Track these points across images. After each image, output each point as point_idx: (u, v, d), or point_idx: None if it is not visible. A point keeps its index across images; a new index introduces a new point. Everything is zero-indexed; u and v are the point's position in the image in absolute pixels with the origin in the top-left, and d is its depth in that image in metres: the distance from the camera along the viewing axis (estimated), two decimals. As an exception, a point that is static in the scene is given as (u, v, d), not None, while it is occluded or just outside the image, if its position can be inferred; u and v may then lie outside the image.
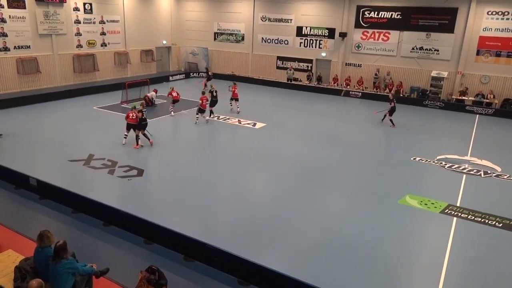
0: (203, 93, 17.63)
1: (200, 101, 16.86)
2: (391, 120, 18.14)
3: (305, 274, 7.06)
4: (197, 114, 17.26)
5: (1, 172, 10.77)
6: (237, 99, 19.36)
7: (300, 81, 27.17)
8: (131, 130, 13.94)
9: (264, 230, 8.83)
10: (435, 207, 10.28)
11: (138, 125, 13.78)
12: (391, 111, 18.06)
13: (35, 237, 6.03)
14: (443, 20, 22.72)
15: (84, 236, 8.35)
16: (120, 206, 8.87)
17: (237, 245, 7.88)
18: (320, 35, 26.51)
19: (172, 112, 18.62)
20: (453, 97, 22.94)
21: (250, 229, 8.85)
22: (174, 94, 18.35)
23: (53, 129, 15.60)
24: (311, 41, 26.93)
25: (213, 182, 11.36)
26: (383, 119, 18.66)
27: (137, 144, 13.85)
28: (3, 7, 19.69)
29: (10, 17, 20.05)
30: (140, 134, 13.86)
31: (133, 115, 13.73)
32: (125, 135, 14.07)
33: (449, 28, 22.66)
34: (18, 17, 20.41)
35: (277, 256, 7.89)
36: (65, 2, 22.34)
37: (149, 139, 14.02)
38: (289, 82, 27.08)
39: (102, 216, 8.93)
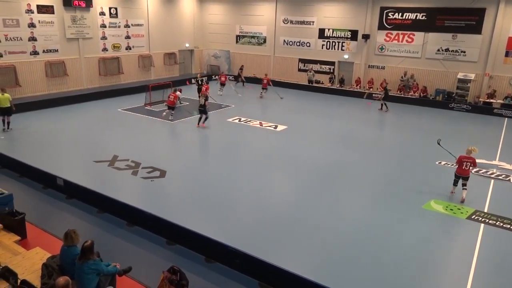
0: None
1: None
2: (385, 104, 21.26)
3: (328, 278, 6.99)
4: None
5: (30, 172, 11.13)
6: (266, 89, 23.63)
7: (322, 83, 26.99)
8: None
9: (285, 233, 8.79)
10: (462, 212, 10.01)
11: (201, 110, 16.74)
12: (385, 97, 21.10)
13: (61, 236, 6.19)
14: (470, 21, 22.14)
15: (108, 236, 8.51)
16: (143, 206, 9.00)
17: (259, 247, 7.86)
18: (342, 37, 26.28)
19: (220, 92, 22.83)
20: (480, 99, 22.30)
21: (271, 231, 8.82)
22: (223, 78, 22.26)
23: (79, 131, 16.00)
24: (334, 43, 26.72)
25: (234, 184, 11.39)
26: (381, 108, 21.42)
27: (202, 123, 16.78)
28: (33, 13, 20.37)
29: (39, 22, 20.71)
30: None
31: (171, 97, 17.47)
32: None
33: (476, 29, 22.06)
34: (47, 22, 21.07)
35: (298, 260, 7.83)
36: (92, 7, 22.92)
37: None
38: (309, 84, 26.94)
39: (125, 216, 9.08)
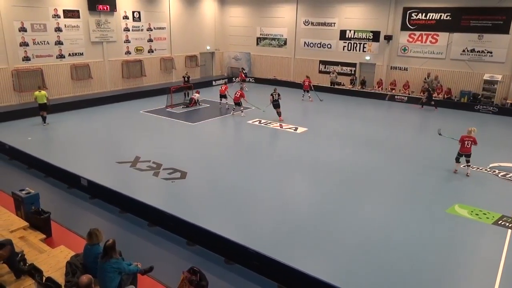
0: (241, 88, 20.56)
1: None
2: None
3: (349, 283, 6.90)
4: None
5: (56, 172, 11.43)
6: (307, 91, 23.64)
7: (343, 85, 26.74)
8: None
9: (305, 235, 8.73)
10: (487, 217, 9.71)
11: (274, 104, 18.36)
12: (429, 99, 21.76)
13: (85, 235, 6.33)
14: (497, 21, 21.51)
15: (130, 236, 8.65)
16: (164, 207, 9.10)
17: (279, 250, 7.84)
18: (364, 39, 25.98)
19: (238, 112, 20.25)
20: (507, 101, 21.61)
21: (291, 234, 8.78)
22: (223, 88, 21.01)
23: (102, 132, 16.35)
24: (355, 44, 26.44)
25: (254, 186, 11.39)
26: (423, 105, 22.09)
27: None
28: (59, 17, 20.96)
29: (65, 26, 21.30)
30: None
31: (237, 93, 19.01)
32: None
33: (503, 28, 21.41)
34: (72, 26, 21.64)
35: (318, 263, 7.76)
36: (116, 11, 23.41)
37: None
38: (332, 86, 26.73)
39: (147, 216, 9.21)
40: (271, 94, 18.65)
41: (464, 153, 12.29)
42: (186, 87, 23.09)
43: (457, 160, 12.48)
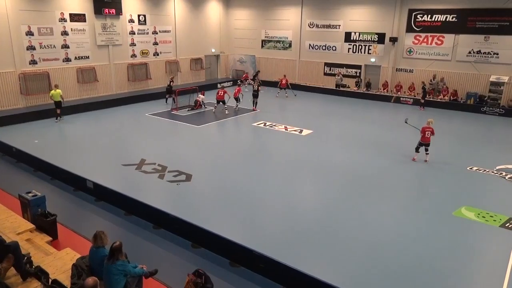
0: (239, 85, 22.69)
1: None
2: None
3: (354, 285, 6.87)
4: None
5: (62, 174, 11.50)
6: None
7: (349, 87, 26.69)
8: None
9: (311, 238, 8.70)
10: (495, 220, 9.62)
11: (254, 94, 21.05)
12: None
13: (90, 237, 6.35)
14: (504, 22, 21.37)
15: (135, 238, 8.67)
16: (169, 209, 9.12)
17: (284, 253, 7.81)
18: (369, 41, 25.92)
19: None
20: (514, 103, 21.48)
21: (296, 236, 8.75)
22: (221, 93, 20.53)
23: (108, 135, 16.43)
24: (360, 46, 26.39)
25: (259, 189, 11.38)
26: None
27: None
28: (66, 21, 21.11)
29: (72, 30, 21.44)
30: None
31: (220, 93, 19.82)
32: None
33: (510, 30, 21.24)
34: (79, 30, 21.78)
35: (324, 266, 7.72)
36: (121, 14, 23.54)
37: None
38: (337, 88, 26.70)
39: (152, 219, 9.24)
40: (252, 79, 21.20)
41: (424, 143, 13.54)
42: (168, 91, 22.65)
43: (417, 150, 13.74)
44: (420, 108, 22.54)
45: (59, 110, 18.26)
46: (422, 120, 15.98)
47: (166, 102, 22.63)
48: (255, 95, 21.41)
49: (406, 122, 14.80)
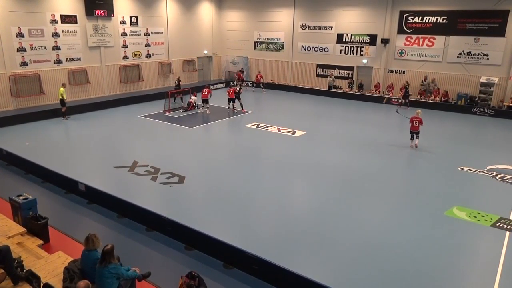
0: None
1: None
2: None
3: (347, 286, 6.88)
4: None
5: (53, 177, 11.40)
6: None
7: (341, 88, 26.81)
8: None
9: (304, 239, 8.72)
10: (486, 220, 9.72)
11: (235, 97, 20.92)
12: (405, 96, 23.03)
13: (82, 240, 6.30)
14: (493, 24, 21.64)
15: (128, 240, 8.62)
16: (162, 212, 9.08)
17: (277, 254, 7.82)
18: (361, 42, 26.07)
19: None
20: (504, 104, 21.72)
21: (290, 238, 8.76)
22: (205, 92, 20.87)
23: (100, 137, 16.31)
24: (352, 48, 26.53)
25: (252, 190, 11.38)
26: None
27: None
28: (57, 22, 20.96)
29: (63, 31, 21.28)
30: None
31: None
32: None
33: (499, 31, 21.54)
34: (70, 31, 21.63)
35: (317, 267, 7.74)
36: (113, 16, 23.43)
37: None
38: (329, 89, 26.81)
39: (145, 221, 9.19)
40: (236, 81, 22.69)
41: (414, 131, 15.19)
42: (177, 91, 23.30)
43: (412, 138, 15.39)
44: (401, 106, 22.77)
45: (63, 108, 18.73)
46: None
47: (174, 101, 22.87)
48: (238, 97, 21.42)
49: (397, 112, 16.92)
